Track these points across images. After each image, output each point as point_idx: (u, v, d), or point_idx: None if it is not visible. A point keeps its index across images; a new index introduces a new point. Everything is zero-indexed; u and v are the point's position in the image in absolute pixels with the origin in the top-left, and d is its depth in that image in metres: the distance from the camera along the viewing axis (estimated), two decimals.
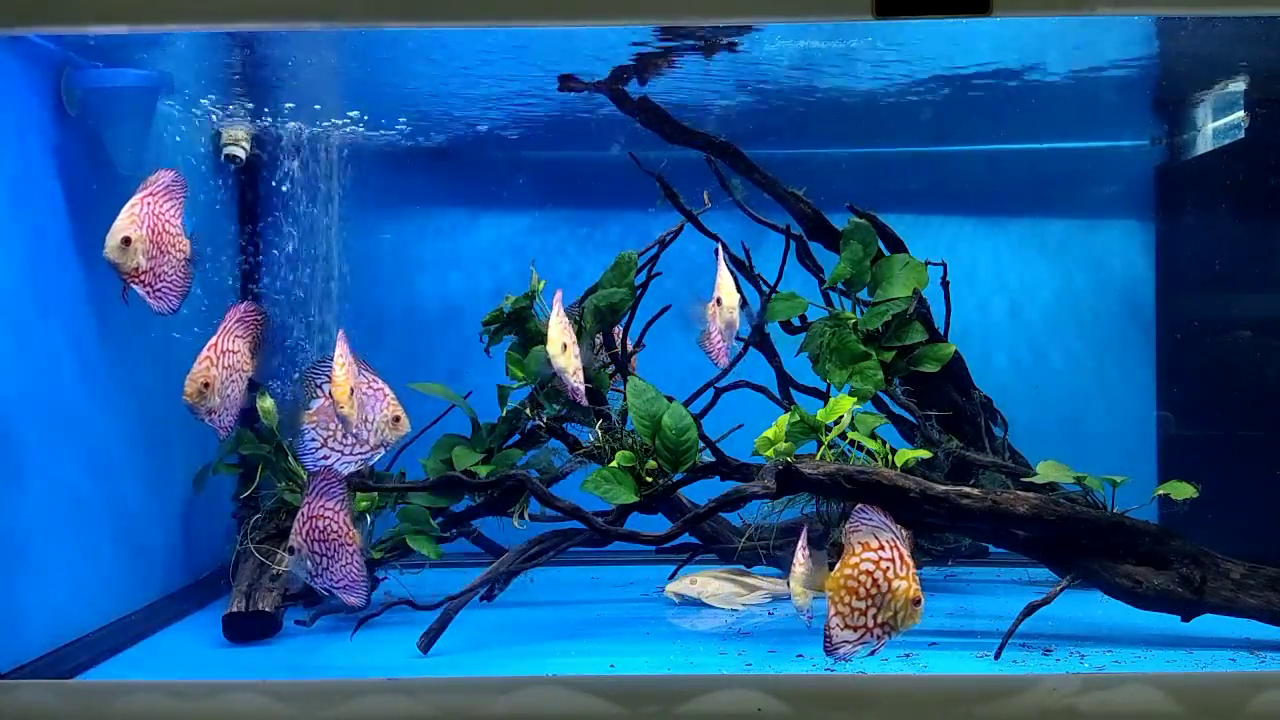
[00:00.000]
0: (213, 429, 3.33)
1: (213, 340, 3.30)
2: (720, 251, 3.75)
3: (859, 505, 2.91)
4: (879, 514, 2.88)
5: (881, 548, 2.86)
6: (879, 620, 2.87)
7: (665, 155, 4.24)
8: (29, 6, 2.87)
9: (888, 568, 2.85)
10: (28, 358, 3.49)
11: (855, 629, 2.89)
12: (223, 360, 3.30)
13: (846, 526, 2.92)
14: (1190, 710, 2.85)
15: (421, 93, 4.60)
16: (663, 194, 4.19)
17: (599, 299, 4.04)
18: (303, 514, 3.24)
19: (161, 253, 3.29)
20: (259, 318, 3.42)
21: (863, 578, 2.86)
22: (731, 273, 3.67)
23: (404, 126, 4.98)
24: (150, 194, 3.29)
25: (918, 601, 2.85)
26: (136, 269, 3.25)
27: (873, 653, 2.91)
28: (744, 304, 3.70)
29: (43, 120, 3.63)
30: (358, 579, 3.34)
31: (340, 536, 3.29)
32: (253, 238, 5.10)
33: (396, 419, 3.43)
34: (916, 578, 2.87)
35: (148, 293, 3.29)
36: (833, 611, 2.90)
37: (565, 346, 3.50)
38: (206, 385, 3.25)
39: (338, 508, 3.29)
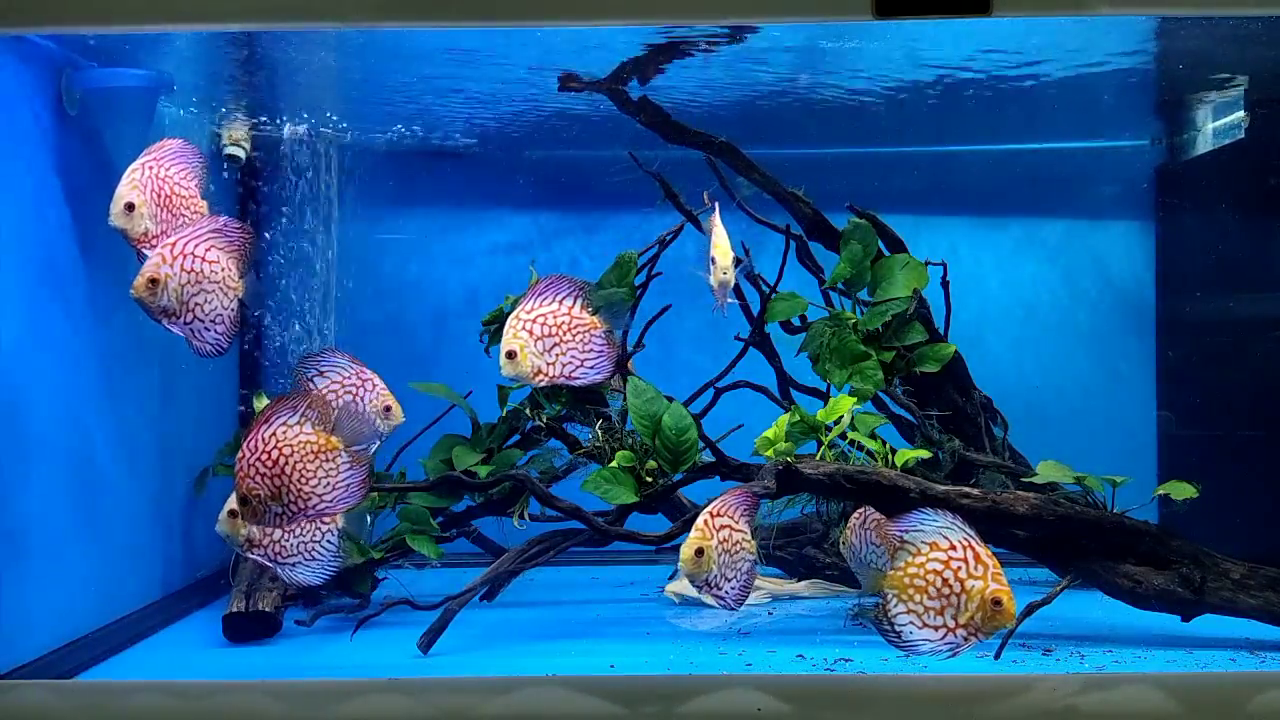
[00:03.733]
0: (189, 343, 3.20)
1: (170, 240, 3.16)
2: (716, 208, 3.69)
3: (920, 509, 2.86)
4: (945, 515, 2.82)
5: (953, 547, 2.80)
6: (960, 621, 2.80)
7: (658, 155, 4.23)
8: (29, 6, 2.88)
9: (959, 567, 2.79)
10: (28, 357, 3.49)
11: (935, 629, 2.82)
12: (182, 262, 3.14)
13: (898, 527, 2.86)
14: (1190, 710, 2.85)
15: (422, 92, 4.60)
16: (663, 194, 4.18)
17: (598, 299, 4.03)
18: (251, 448, 3.06)
19: (173, 216, 3.25)
20: (245, 236, 3.27)
21: (931, 576, 2.80)
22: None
23: (403, 127, 4.98)
24: (154, 159, 3.26)
25: (999, 601, 2.76)
26: (145, 233, 3.22)
27: (954, 654, 2.83)
28: (738, 262, 3.63)
29: (43, 120, 3.63)
30: (346, 491, 3.17)
31: (312, 452, 3.12)
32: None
33: (387, 409, 3.42)
34: (999, 577, 2.78)
35: None
36: (903, 609, 2.84)
37: (513, 354, 3.40)
38: (154, 281, 3.12)
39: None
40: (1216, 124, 4.88)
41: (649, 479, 3.68)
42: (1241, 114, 4.70)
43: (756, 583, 4.33)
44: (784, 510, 3.88)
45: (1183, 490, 3.58)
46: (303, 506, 3.07)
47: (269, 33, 3.82)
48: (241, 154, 4.82)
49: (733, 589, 3.10)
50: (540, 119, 4.85)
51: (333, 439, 3.11)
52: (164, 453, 4.37)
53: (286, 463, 3.05)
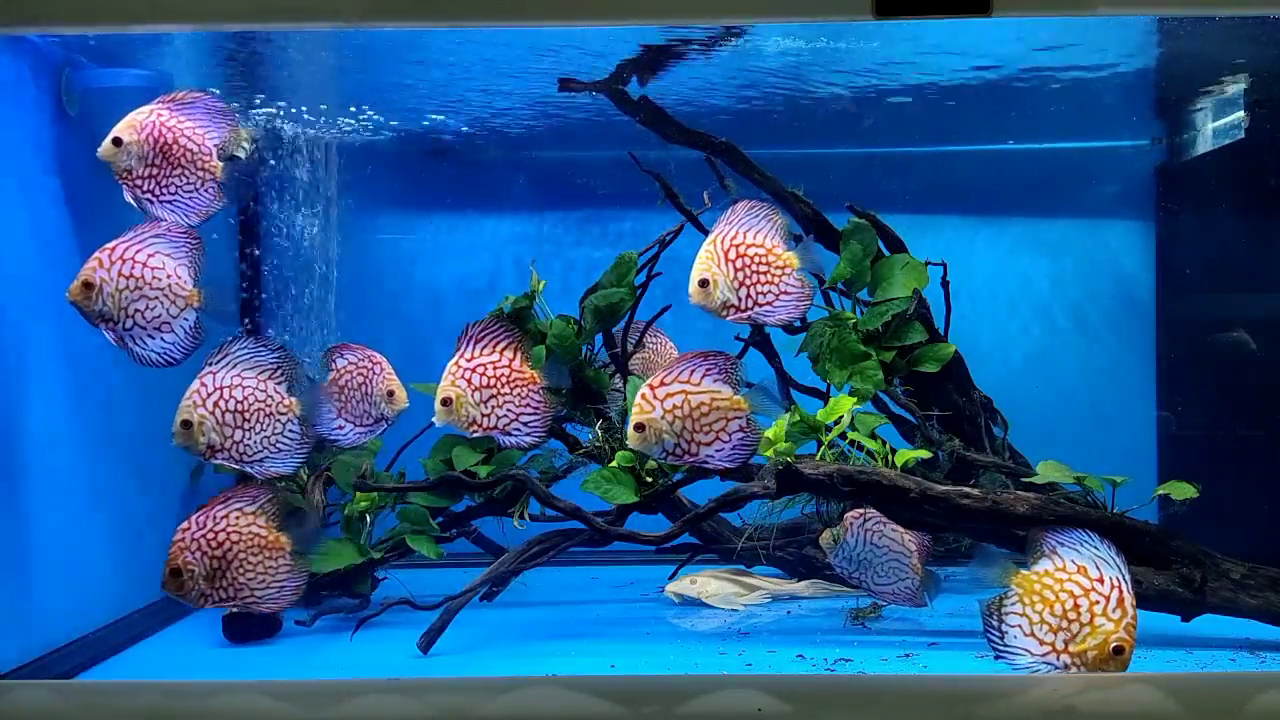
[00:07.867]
0: (131, 354, 3.18)
1: (109, 245, 3.15)
2: (734, 209, 3.49)
3: (1085, 531, 2.77)
4: (1110, 547, 2.75)
5: (1100, 580, 2.73)
6: (1071, 649, 2.75)
7: (661, 156, 4.24)
8: (29, 6, 2.87)
9: (1097, 601, 2.73)
10: (27, 357, 3.49)
11: (1040, 642, 2.76)
12: (119, 268, 3.12)
13: (1055, 535, 2.79)
14: (1190, 710, 2.85)
15: (421, 91, 4.60)
16: (663, 194, 4.18)
17: (599, 299, 4.04)
18: (199, 523, 3.19)
19: (172, 166, 3.22)
20: (193, 242, 3.23)
21: (1064, 596, 2.75)
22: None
23: (403, 125, 4.98)
24: (170, 106, 3.25)
25: (1120, 651, 2.70)
26: (129, 171, 3.19)
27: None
28: (704, 283, 3.32)
29: (43, 120, 3.63)
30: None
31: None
32: (253, 239, 5.09)
33: (391, 393, 3.46)
34: (1131, 629, 2.71)
35: (148, 200, 3.22)
36: (1018, 610, 2.79)
37: (448, 402, 3.41)
38: (89, 285, 3.10)
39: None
40: (1216, 124, 4.88)
41: (649, 479, 3.68)
42: (1241, 114, 4.70)
43: (756, 583, 4.34)
44: (784, 510, 3.88)
45: (1183, 490, 3.58)
46: (231, 595, 3.15)
47: (269, 32, 3.82)
48: (243, 154, 4.82)
49: (716, 450, 2.96)
50: (542, 118, 4.86)
51: (281, 538, 3.18)
52: (165, 452, 4.36)
53: (230, 549, 3.13)
